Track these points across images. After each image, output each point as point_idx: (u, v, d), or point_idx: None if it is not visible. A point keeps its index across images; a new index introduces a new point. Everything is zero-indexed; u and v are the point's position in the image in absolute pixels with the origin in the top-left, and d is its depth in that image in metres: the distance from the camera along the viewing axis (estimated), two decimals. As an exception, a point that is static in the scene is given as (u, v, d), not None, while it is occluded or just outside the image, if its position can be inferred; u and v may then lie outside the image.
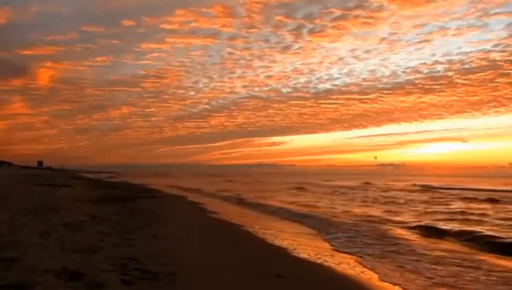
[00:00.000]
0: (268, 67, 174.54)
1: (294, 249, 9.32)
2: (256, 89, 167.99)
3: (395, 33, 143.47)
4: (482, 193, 36.24)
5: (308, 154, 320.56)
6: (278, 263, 7.84)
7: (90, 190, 27.89)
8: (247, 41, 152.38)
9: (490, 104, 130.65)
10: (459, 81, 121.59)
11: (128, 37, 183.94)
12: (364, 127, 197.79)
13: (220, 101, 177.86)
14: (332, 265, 7.91)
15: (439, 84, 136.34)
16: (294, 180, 74.22)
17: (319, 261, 8.20)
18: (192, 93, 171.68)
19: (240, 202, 24.94)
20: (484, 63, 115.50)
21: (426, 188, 44.07)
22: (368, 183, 60.72)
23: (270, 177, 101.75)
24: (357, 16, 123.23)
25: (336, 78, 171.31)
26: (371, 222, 15.42)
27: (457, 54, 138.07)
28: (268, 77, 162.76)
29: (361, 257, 8.97)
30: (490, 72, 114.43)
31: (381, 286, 6.61)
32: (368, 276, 7.25)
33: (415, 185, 52.15)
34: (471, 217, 17.19)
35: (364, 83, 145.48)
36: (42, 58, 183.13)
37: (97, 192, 25.69)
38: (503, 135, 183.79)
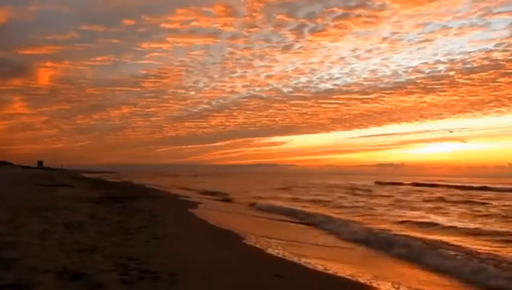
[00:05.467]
0: (269, 66, 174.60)
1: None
2: (257, 88, 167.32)
3: (396, 32, 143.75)
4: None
5: (308, 154, 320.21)
6: (277, 263, 7.86)
7: (90, 190, 27.90)
8: (248, 41, 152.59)
9: (491, 104, 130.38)
10: (461, 80, 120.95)
11: (129, 37, 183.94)
12: (365, 127, 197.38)
13: (221, 101, 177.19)
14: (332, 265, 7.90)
15: (441, 84, 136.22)
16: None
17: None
18: (192, 93, 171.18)
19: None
20: (486, 62, 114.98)
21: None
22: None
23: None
24: (358, 15, 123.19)
25: (337, 78, 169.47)
26: None
27: (459, 53, 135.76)
28: (269, 76, 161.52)
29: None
30: (492, 71, 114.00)
31: (379, 288, 6.61)
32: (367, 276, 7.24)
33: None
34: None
35: (365, 83, 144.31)
36: (42, 58, 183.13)
37: (97, 192, 25.71)
38: (504, 135, 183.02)
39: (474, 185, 45.68)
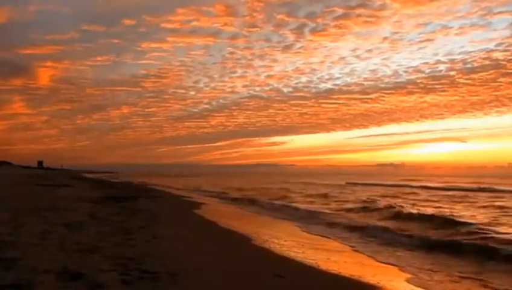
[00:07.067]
0: (270, 66, 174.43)
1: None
2: (257, 88, 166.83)
3: (397, 32, 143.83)
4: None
5: (308, 154, 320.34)
6: (277, 263, 7.85)
7: (90, 190, 27.90)
8: (249, 41, 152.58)
9: (492, 104, 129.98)
10: (461, 80, 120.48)
11: (129, 37, 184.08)
12: (365, 127, 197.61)
13: (221, 100, 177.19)
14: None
15: (441, 84, 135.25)
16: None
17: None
18: (192, 93, 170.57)
19: None
20: (486, 62, 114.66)
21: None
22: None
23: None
24: (359, 15, 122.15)
25: (337, 78, 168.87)
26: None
27: (460, 53, 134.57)
28: (269, 76, 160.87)
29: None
30: (492, 71, 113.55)
31: (383, 287, 6.60)
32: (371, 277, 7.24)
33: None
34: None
35: (365, 83, 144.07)
36: (42, 58, 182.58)
37: (97, 192, 25.71)
38: (505, 135, 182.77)
39: (452, 186, 45.57)
